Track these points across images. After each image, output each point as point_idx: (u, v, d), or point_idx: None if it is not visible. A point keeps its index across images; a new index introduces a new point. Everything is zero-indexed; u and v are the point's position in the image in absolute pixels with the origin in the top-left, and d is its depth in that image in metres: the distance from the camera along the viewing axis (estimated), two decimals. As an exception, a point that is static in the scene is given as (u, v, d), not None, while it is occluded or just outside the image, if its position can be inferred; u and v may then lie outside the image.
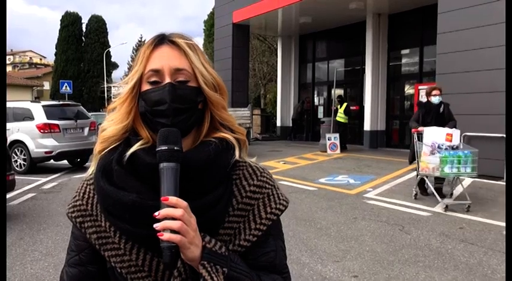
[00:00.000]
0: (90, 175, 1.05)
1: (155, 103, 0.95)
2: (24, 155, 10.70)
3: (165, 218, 0.84)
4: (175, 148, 0.89)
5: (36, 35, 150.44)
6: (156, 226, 0.84)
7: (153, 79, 0.97)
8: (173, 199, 0.85)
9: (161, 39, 1.00)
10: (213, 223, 0.96)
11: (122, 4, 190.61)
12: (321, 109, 18.09)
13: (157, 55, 0.98)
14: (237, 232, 0.99)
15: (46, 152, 10.55)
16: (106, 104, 34.86)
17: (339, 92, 16.30)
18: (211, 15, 24.71)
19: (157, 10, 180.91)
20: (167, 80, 0.96)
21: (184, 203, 0.86)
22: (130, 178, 0.96)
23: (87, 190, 1.05)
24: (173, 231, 0.84)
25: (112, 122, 1.02)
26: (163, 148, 0.89)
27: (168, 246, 0.84)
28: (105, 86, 35.68)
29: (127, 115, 1.00)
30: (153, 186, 0.91)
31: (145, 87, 0.98)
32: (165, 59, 0.97)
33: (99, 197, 0.99)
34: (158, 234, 0.84)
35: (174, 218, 0.84)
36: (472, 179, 8.64)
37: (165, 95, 0.94)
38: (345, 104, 14.46)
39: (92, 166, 1.05)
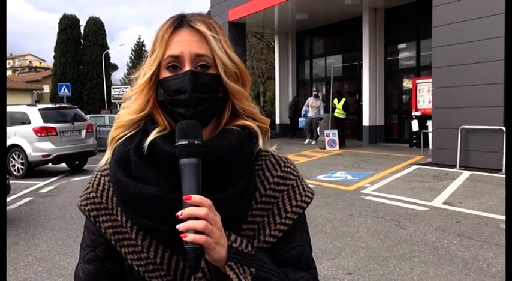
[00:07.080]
0: (104, 164, 0.99)
1: (175, 92, 0.90)
2: (21, 159, 10.70)
3: (189, 218, 0.79)
4: (196, 142, 0.84)
5: (44, 39, 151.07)
6: (180, 226, 0.78)
7: (172, 64, 0.91)
8: (196, 198, 0.79)
9: (180, 22, 0.94)
10: (236, 218, 0.90)
11: (131, 5, 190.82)
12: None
13: (177, 40, 0.91)
14: (261, 227, 0.93)
15: (43, 156, 10.55)
16: (106, 106, 34.66)
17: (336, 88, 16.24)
18: (208, 15, 24.65)
19: (165, 11, 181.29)
20: (187, 66, 0.90)
21: (208, 201, 0.80)
22: (149, 168, 0.90)
23: (102, 181, 0.97)
24: (197, 231, 0.78)
25: (130, 112, 0.96)
26: (183, 142, 0.84)
27: (192, 248, 0.79)
28: (105, 87, 35.78)
29: (145, 105, 0.94)
30: (173, 177, 0.86)
31: (165, 74, 0.92)
32: (185, 44, 0.90)
33: (116, 190, 0.93)
34: (182, 235, 0.78)
35: (198, 218, 0.79)
36: (470, 173, 8.61)
37: (185, 83, 0.89)
38: (343, 100, 14.41)
39: (107, 155, 0.99)
